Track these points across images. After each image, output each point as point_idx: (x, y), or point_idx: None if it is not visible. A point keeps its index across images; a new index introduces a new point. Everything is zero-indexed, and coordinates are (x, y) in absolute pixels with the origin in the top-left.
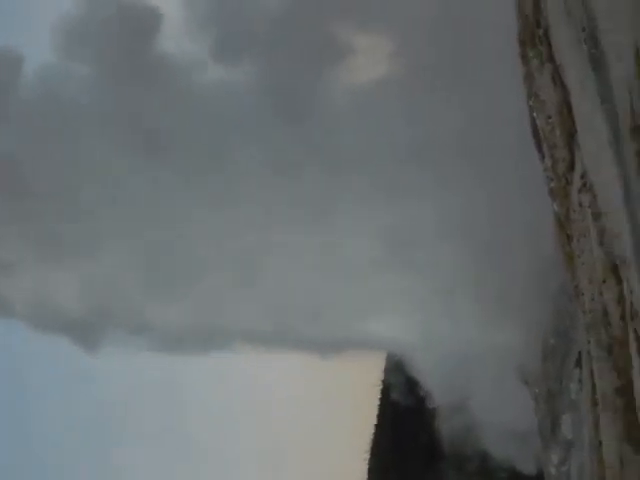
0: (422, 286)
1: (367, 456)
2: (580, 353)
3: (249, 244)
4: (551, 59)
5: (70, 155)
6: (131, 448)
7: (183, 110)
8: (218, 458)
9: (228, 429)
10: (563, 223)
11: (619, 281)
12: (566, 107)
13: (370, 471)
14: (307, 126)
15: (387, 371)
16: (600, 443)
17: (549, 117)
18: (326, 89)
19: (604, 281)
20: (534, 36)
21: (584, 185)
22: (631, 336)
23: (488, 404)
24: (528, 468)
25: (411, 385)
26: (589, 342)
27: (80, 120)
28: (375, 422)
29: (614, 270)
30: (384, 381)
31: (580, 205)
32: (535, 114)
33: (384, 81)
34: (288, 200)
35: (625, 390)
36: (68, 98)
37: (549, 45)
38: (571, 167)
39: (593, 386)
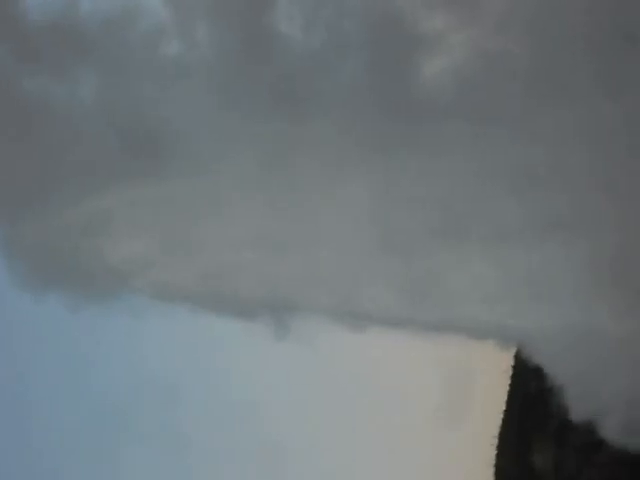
0: (553, 273)
1: (495, 441)
2: None
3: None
4: None
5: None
6: (131, 448)
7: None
8: (217, 458)
9: (228, 428)
10: None
11: None
12: None
13: (498, 456)
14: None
15: (517, 358)
16: None
17: None
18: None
19: None
20: None
21: None
22: None
23: (621, 393)
24: None
25: (540, 372)
26: None
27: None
28: (504, 408)
29: None
30: (514, 367)
31: None
32: None
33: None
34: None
35: None
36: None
37: None
38: None
39: None
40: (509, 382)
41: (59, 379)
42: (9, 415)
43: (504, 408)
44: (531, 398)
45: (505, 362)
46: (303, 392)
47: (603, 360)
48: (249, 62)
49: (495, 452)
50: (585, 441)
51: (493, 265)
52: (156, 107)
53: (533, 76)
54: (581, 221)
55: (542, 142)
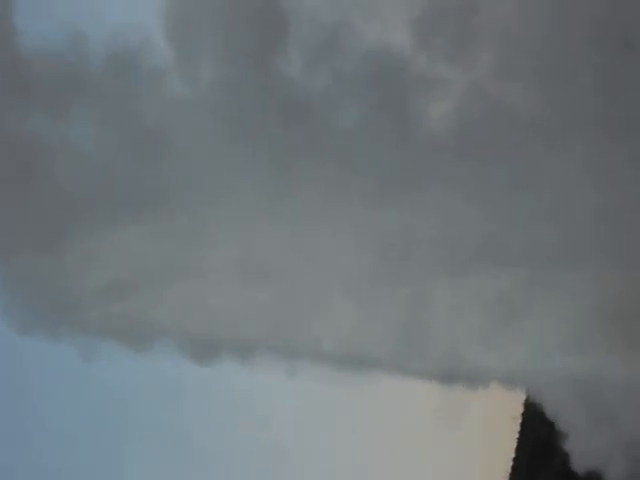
0: (556, 316)
1: None
2: None
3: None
4: None
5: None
6: (135, 448)
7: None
8: (220, 459)
9: (231, 430)
10: None
11: None
12: None
13: None
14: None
15: (527, 405)
16: None
17: None
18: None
19: None
20: None
21: None
22: None
23: (624, 441)
24: None
25: (548, 418)
26: None
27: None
28: (513, 455)
29: None
30: (524, 414)
31: None
32: None
33: None
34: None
35: None
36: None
37: None
38: None
39: None
40: (518, 428)
41: (63, 378)
42: (12, 414)
43: (513, 454)
44: (540, 444)
45: (513, 407)
46: (304, 393)
47: (606, 407)
48: (253, 101)
49: None
50: None
51: (494, 307)
52: (158, 145)
53: (535, 118)
54: (586, 262)
55: (546, 182)
